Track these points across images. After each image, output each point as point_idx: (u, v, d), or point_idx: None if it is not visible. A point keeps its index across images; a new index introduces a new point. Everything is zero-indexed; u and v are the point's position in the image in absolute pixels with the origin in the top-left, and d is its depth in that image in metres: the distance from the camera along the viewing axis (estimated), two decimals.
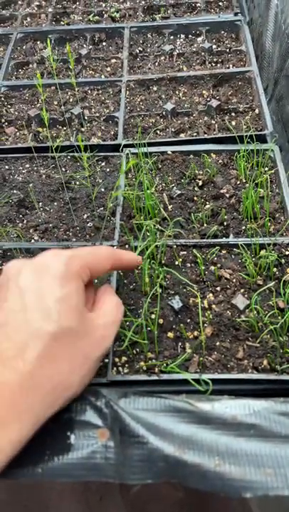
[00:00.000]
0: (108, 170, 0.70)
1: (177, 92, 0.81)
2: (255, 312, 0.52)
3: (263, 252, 0.56)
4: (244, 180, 0.66)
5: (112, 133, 0.75)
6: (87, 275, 0.42)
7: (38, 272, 0.40)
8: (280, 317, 0.51)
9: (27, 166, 0.71)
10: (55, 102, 0.81)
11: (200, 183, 0.66)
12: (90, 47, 0.92)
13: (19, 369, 0.34)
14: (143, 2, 1.01)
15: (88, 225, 0.63)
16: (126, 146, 0.71)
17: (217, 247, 0.58)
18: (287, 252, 0.57)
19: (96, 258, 0.44)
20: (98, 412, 0.38)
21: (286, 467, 0.34)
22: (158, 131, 0.75)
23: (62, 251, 0.43)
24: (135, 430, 0.36)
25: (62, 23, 0.99)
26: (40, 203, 0.66)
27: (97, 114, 0.78)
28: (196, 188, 0.66)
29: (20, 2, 1.06)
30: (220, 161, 0.69)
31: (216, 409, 0.38)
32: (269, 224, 0.60)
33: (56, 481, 0.36)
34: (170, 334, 0.52)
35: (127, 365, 0.50)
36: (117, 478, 0.35)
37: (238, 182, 0.66)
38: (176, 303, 0.54)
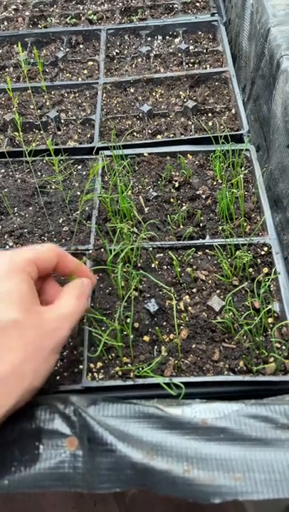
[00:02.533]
0: (84, 173, 0.69)
1: (154, 94, 0.81)
2: (230, 313, 0.52)
3: (238, 253, 0.56)
4: (220, 181, 0.66)
5: (89, 136, 0.75)
6: (35, 270, 0.43)
7: None
8: (256, 317, 0.51)
9: (2, 171, 0.70)
10: (32, 106, 0.80)
11: (176, 184, 0.66)
12: (67, 49, 0.91)
13: None
14: (120, 4, 1.01)
15: (64, 229, 0.62)
16: (102, 148, 0.70)
17: (193, 249, 0.58)
18: (262, 252, 0.57)
19: (39, 253, 0.45)
20: (66, 420, 0.37)
21: (255, 471, 0.34)
22: (135, 133, 0.75)
23: (6, 251, 0.45)
24: (103, 438, 0.36)
25: (39, 26, 0.99)
26: (15, 208, 0.65)
27: (74, 117, 0.78)
28: (172, 190, 0.66)
29: None
30: (196, 162, 0.69)
31: (186, 414, 0.37)
32: (245, 224, 0.60)
33: (24, 492, 0.35)
34: (146, 338, 0.51)
35: (102, 371, 0.49)
36: (85, 488, 0.34)
37: (215, 183, 0.66)
38: (152, 306, 0.53)
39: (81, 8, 1.02)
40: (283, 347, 0.49)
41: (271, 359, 0.48)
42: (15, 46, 0.94)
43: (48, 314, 0.41)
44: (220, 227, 0.60)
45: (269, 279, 0.54)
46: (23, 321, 0.38)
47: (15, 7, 1.04)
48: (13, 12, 1.03)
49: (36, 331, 0.39)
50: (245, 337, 0.50)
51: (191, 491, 0.33)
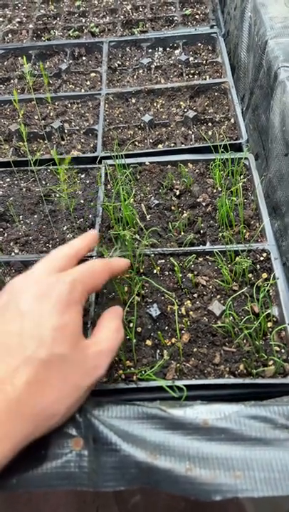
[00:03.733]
0: (88, 182, 0.71)
1: (155, 104, 0.83)
2: (231, 318, 0.53)
3: (238, 259, 0.58)
4: (220, 189, 0.67)
5: (92, 145, 0.77)
6: (87, 298, 0.43)
7: (40, 297, 0.40)
8: (255, 322, 0.52)
9: (7, 180, 0.72)
10: (36, 117, 0.83)
11: (177, 192, 0.68)
12: (70, 61, 0.94)
13: (7, 393, 0.34)
14: (122, 17, 1.04)
15: (68, 236, 0.64)
16: (104, 158, 0.72)
17: (193, 255, 0.59)
18: (261, 258, 0.58)
19: (94, 277, 0.45)
20: (72, 421, 0.39)
21: (255, 469, 0.35)
22: (136, 143, 0.77)
23: (66, 274, 0.43)
24: (108, 438, 0.37)
25: (43, 38, 1.01)
26: (21, 216, 0.67)
27: (77, 127, 0.80)
28: (173, 198, 0.67)
29: (1, 19, 1.08)
30: (196, 171, 0.70)
31: (188, 415, 0.39)
32: (244, 231, 0.62)
33: (31, 491, 0.36)
34: (148, 342, 0.53)
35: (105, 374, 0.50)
36: (90, 486, 0.35)
37: (214, 190, 0.67)
38: (154, 311, 0.55)
39: (83, 20, 1.05)
40: (282, 350, 0.51)
41: (270, 362, 0.50)
42: (19, 58, 0.96)
43: (90, 349, 0.40)
44: (220, 234, 0.62)
45: (268, 284, 0.55)
46: (70, 357, 0.38)
47: (19, 20, 1.07)
48: (17, 25, 1.06)
49: (79, 369, 0.39)
50: (245, 341, 0.52)
51: (193, 489, 0.34)
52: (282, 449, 0.36)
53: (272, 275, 0.56)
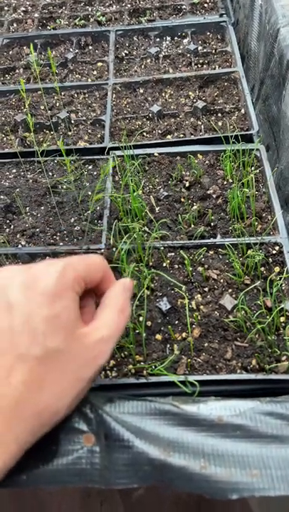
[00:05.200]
0: (95, 173, 0.70)
1: (163, 94, 0.81)
2: (243, 312, 0.52)
3: (250, 252, 0.56)
4: (231, 181, 0.66)
5: (99, 136, 0.75)
6: (81, 286, 0.39)
7: (28, 287, 0.37)
8: (268, 316, 0.51)
9: (14, 171, 0.71)
10: (42, 107, 0.81)
11: (187, 184, 0.66)
12: (77, 51, 0.92)
13: (5, 395, 0.33)
14: (129, 5, 1.01)
15: (75, 228, 0.63)
16: (112, 148, 0.71)
17: (204, 248, 0.58)
18: (274, 251, 0.57)
19: (89, 266, 0.41)
20: (83, 416, 0.38)
21: (272, 468, 0.34)
22: (145, 133, 0.75)
23: (57, 261, 0.39)
24: (120, 434, 0.36)
25: (48, 27, 1.00)
26: (27, 208, 0.66)
27: (84, 118, 0.78)
28: (183, 190, 0.66)
29: (6, 8, 1.06)
30: (206, 162, 0.69)
31: (201, 411, 0.38)
32: (256, 223, 0.60)
33: (41, 487, 0.35)
34: (158, 336, 0.52)
35: (115, 369, 0.50)
36: (102, 483, 0.35)
37: (225, 182, 0.66)
38: (164, 305, 0.53)
39: (90, 9, 1.03)
40: None
41: (284, 357, 0.49)
42: (24, 48, 0.95)
43: (89, 338, 0.37)
44: (231, 227, 0.60)
45: (281, 278, 0.54)
46: (66, 350, 0.35)
47: (24, 9, 1.05)
48: (22, 14, 1.04)
49: (77, 361, 0.36)
50: (257, 336, 0.51)
51: (209, 488, 0.33)
52: None
53: (285, 269, 0.55)
